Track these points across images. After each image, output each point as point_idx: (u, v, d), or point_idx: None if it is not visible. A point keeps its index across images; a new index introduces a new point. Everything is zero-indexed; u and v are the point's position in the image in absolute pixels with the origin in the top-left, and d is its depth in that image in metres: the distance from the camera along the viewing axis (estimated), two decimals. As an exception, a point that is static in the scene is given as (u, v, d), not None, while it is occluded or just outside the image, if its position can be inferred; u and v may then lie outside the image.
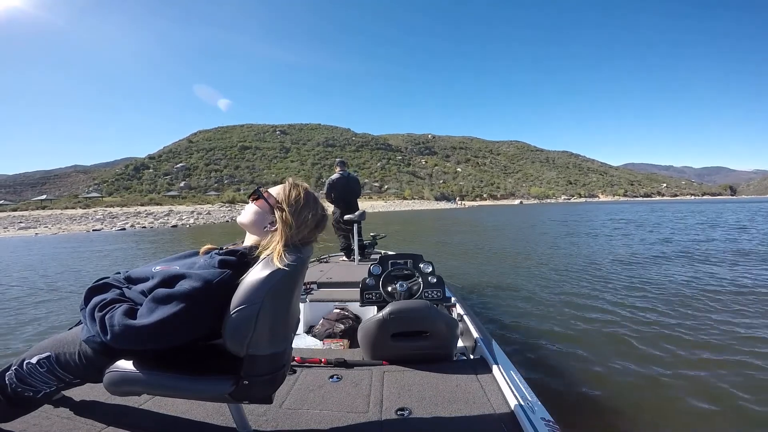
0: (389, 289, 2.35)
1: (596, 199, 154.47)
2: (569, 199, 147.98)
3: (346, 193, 5.58)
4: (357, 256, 4.89)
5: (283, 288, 1.11)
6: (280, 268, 1.07)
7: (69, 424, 1.46)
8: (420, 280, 2.38)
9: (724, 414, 2.50)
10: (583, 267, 7.53)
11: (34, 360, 1.20)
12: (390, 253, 3.07)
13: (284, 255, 1.12)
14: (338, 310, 3.05)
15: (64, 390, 1.34)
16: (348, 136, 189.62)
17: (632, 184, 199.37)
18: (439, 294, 2.35)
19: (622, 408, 2.56)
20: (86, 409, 1.54)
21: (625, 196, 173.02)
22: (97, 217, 39.69)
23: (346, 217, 5.13)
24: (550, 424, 1.44)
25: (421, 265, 2.49)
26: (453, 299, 2.74)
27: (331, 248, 5.79)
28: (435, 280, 2.39)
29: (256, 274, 1.07)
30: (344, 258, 5.36)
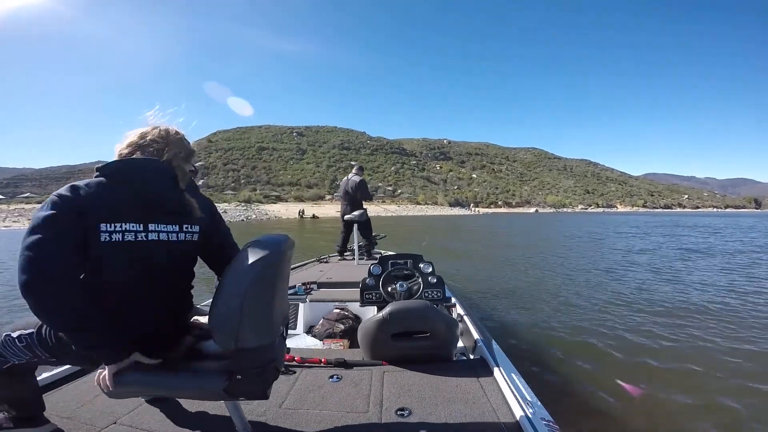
0: (389, 289, 2.37)
1: (614, 210, 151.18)
2: (586, 209, 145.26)
3: (345, 193, 5.77)
4: (357, 256, 4.90)
5: (265, 279, 1.09)
6: (261, 258, 1.05)
7: (69, 424, 1.46)
8: (420, 280, 2.39)
9: (723, 414, 2.49)
10: (584, 272, 7.50)
11: (15, 334, 1.17)
12: (390, 253, 3.09)
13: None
14: (338, 310, 3.06)
15: (35, 366, 1.30)
16: (363, 139, 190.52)
17: (652, 195, 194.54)
18: (439, 294, 2.36)
19: (622, 408, 2.55)
20: (86, 409, 1.54)
21: (644, 207, 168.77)
22: (117, 212, 40.78)
23: (346, 217, 5.20)
24: (550, 424, 1.44)
25: (421, 265, 2.51)
26: (453, 299, 2.75)
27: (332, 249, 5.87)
28: (435, 281, 2.40)
29: (237, 265, 1.07)
30: (342, 257, 5.40)
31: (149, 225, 1.13)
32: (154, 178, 1.14)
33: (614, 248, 12.70)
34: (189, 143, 1.34)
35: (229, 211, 46.36)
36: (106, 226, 1.05)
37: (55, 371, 1.81)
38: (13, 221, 31.73)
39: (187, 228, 1.22)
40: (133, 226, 1.10)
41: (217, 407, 1.55)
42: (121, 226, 1.08)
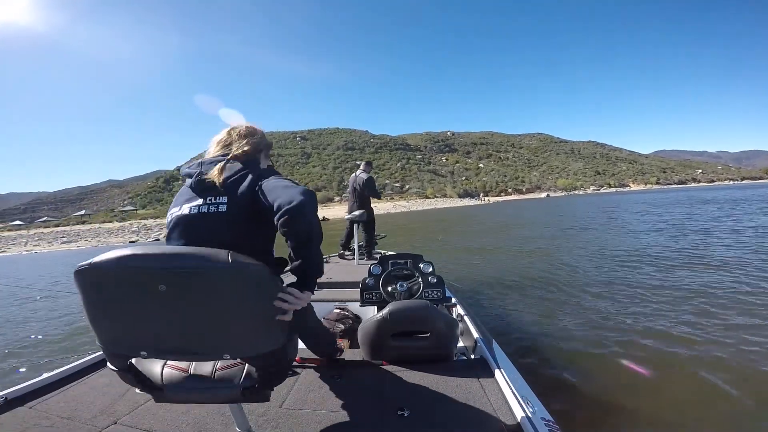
0: (389, 289, 2.38)
1: (627, 189, 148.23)
2: (598, 190, 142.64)
3: (353, 190, 5.74)
4: (357, 256, 4.90)
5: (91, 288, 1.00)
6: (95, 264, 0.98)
7: (69, 424, 1.47)
8: (420, 280, 2.40)
9: (722, 414, 2.44)
10: (585, 267, 7.21)
11: None
12: (390, 253, 3.09)
13: None
14: (338, 310, 3.08)
15: None
16: (366, 138, 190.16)
17: (665, 172, 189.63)
18: (439, 294, 2.36)
19: (623, 408, 2.52)
20: (86, 409, 1.56)
21: (657, 184, 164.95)
22: (133, 229, 41.65)
23: (346, 216, 5.20)
24: (550, 424, 1.45)
25: (421, 265, 2.51)
26: (453, 299, 2.74)
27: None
28: (435, 280, 2.40)
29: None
30: (342, 257, 5.41)
31: (184, 205, 1.30)
32: (196, 173, 1.33)
33: (625, 233, 12.32)
34: (258, 138, 1.50)
35: (240, 219, 46.50)
36: (169, 215, 1.36)
37: (55, 371, 1.86)
38: (34, 245, 32.62)
39: (210, 200, 1.26)
40: (176, 209, 1.32)
41: (218, 406, 1.52)
42: (171, 212, 1.34)
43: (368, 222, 5.42)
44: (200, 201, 1.26)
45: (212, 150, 1.45)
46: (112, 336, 1.07)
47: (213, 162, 1.33)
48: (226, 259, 0.97)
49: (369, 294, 2.40)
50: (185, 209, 1.28)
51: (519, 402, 1.49)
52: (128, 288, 0.99)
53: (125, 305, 1.01)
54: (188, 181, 1.33)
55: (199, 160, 1.37)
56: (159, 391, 1.18)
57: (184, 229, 1.26)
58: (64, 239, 35.56)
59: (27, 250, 29.15)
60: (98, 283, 0.99)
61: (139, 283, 0.98)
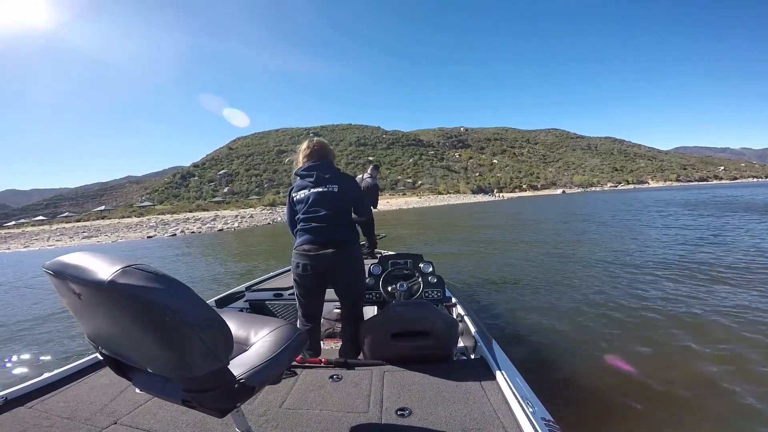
0: (389, 289, 2.40)
1: (646, 186, 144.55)
2: (616, 186, 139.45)
3: None
4: None
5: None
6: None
7: (69, 424, 1.47)
8: (420, 280, 2.41)
9: (722, 414, 2.41)
10: (586, 266, 7.08)
11: None
12: (390, 253, 3.10)
13: None
14: (338, 310, 3.10)
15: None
16: (378, 134, 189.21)
17: (685, 168, 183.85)
18: (439, 294, 2.37)
19: (623, 408, 2.50)
20: (86, 409, 1.56)
21: (678, 181, 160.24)
22: (151, 224, 42.50)
23: None
24: (551, 424, 1.45)
25: (421, 265, 2.52)
26: (453, 299, 2.74)
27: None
28: (435, 280, 2.41)
29: None
30: None
31: (311, 189, 2.25)
32: (314, 174, 2.24)
33: (635, 233, 12.06)
34: (329, 148, 2.46)
35: (256, 215, 47.24)
36: (296, 195, 2.30)
37: (55, 371, 1.90)
38: (56, 240, 33.62)
39: (329, 187, 2.23)
40: (304, 192, 2.26)
41: None
42: (299, 194, 2.29)
43: (368, 222, 5.46)
44: (322, 187, 2.23)
45: (301, 158, 2.38)
46: (82, 326, 1.08)
47: (324, 165, 2.30)
48: (104, 279, 0.82)
49: (369, 294, 2.43)
50: (313, 191, 2.23)
51: (519, 402, 1.49)
52: (63, 290, 0.96)
53: (71, 305, 1.00)
54: (305, 177, 2.29)
55: (309, 164, 2.32)
56: (130, 379, 1.16)
57: (315, 201, 2.21)
58: (85, 234, 36.56)
59: (50, 245, 30.10)
60: (51, 281, 0.98)
61: (66, 289, 0.95)
